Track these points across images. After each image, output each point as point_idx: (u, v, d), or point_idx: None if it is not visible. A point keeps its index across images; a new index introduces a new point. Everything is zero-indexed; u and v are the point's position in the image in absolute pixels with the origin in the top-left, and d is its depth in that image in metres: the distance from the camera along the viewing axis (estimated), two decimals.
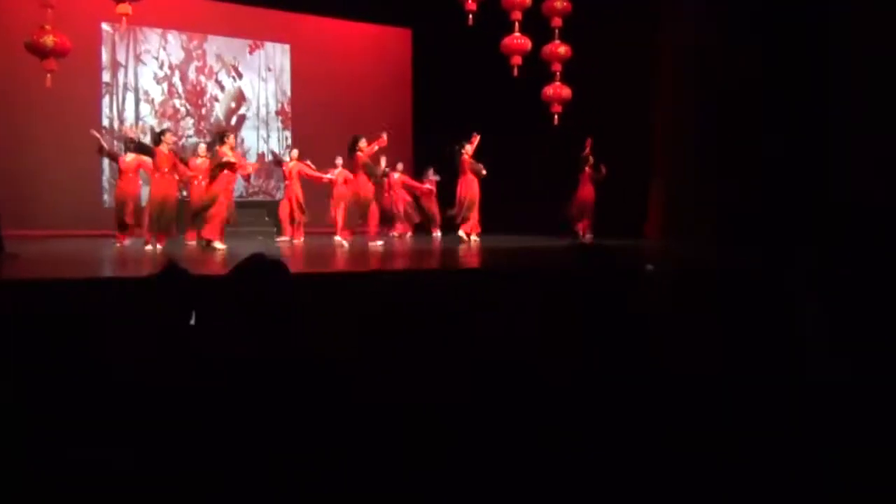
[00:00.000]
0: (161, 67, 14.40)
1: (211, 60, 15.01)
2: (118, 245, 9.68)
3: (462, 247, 10.57)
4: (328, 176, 11.38)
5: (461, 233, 11.49)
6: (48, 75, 9.41)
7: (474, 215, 11.54)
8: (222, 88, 15.19)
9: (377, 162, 10.87)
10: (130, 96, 13.98)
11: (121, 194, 10.01)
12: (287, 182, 11.92)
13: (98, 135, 9.83)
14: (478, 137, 11.60)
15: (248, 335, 2.12)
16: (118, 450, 1.85)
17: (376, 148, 10.54)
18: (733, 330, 2.51)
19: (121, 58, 13.86)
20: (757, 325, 2.28)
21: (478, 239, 11.34)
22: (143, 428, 1.89)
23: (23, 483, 1.82)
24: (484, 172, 11.53)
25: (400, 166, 12.91)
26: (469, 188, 11.48)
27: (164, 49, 14.44)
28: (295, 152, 12.11)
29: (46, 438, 2.00)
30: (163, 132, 10.15)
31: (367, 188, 10.54)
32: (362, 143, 10.41)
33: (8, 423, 2.04)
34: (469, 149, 11.50)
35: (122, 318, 2.71)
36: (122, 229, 9.89)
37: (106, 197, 12.90)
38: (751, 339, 2.24)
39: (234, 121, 15.26)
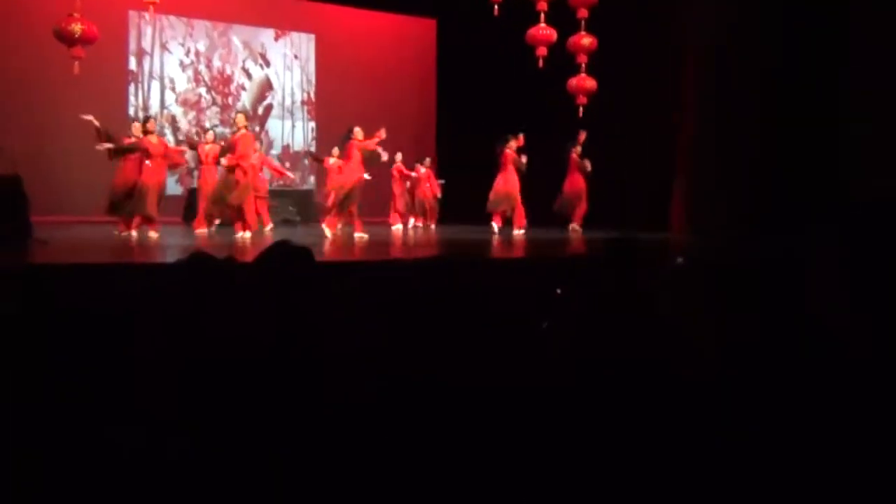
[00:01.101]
0: (187, 55, 14.45)
1: (238, 48, 15.04)
2: (120, 234, 9.58)
3: (494, 238, 10.61)
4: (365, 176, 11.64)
5: (493, 224, 11.44)
6: (76, 63, 9.50)
7: (519, 209, 11.43)
8: (249, 77, 15.22)
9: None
10: (156, 84, 14.09)
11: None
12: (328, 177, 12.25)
13: (92, 119, 9.78)
14: (523, 138, 11.50)
15: (272, 320, 2.14)
16: (152, 433, 1.87)
17: (377, 141, 10.29)
18: (758, 324, 2.49)
19: (146, 46, 13.96)
20: (780, 317, 2.26)
21: (521, 232, 11.26)
22: (174, 412, 1.92)
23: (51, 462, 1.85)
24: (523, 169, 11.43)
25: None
26: (508, 183, 11.40)
27: (191, 36, 14.48)
28: (335, 150, 12.24)
29: (72, 422, 2.03)
30: (147, 120, 10.13)
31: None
32: (357, 132, 10.28)
33: (35, 408, 2.08)
34: (513, 144, 11.40)
35: (150, 303, 2.74)
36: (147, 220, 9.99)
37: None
38: (775, 332, 2.22)
39: (261, 110, 15.30)
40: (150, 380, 2.10)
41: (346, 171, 10.33)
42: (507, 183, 11.38)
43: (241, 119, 10.05)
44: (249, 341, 2.08)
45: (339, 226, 10.35)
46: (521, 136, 11.48)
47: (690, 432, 1.99)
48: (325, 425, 1.92)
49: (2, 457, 1.87)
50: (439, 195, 13.58)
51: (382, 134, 10.25)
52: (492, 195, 11.47)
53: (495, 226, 11.41)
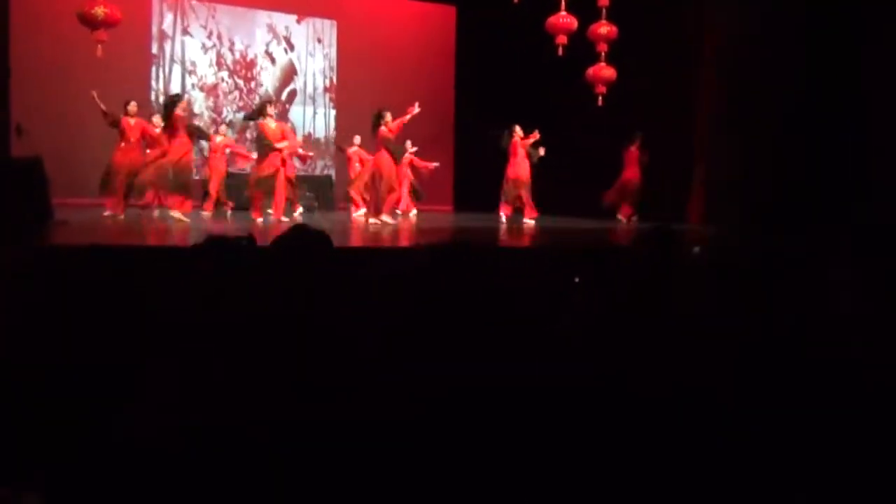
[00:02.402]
0: (209, 37, 14.38)
1: (262, 31, 14.94)
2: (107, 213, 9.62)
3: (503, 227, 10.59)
4: (433, 164, 11.97)
5: (501, 214, 11.42)
6: (99, 46, 9.56)
7: (528, 199, 11.37)
8: (273, 61, 15.13)
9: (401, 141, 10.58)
10: (177, 68, 14.10)
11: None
12: (349, 165, 12.45)
13: (97, 99, 9.83)
14: (538, 133, 11.42)
15: (286, 302, 2.16)
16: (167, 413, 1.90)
17: (407, 118, 10.27)
18: (768, 316, 2.49)
19: (168, 29, 13.97)
20: (796, 310, 2.26)
21: (531, 221, 11.23)
22: (194, 391, 1.94)
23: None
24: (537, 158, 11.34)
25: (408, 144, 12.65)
26: (518, 170, 11.34)
27: (213, 17, 14.40)
28: (357, 139, 12.30)
29: (91, 402, 2.06)
30: (128, 102, 10.09)
31: (388, 166, 10.19)
32: (388, 117, 10.15)
33: (53, 387, 2.11)
34: (520, 132, 11.32)
35: (168, 285, 2.77)
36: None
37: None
38: (790, 324, 2.22)
39: (284, 95, 15.24)
40: (167, 361, 2.12)
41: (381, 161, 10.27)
42: (517, 171, 11.32)
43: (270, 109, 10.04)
44: (265, 324, 2.10)
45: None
46: (535, 132, 11.40)
47: (703, 426, 2.00)
48: (340, 411, 1.94)
49: (29, 435, 1.91)
50: (416, 184, 12.94)
51: (415, 109, 10.30)
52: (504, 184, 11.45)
53: (503, 216, 11.40)
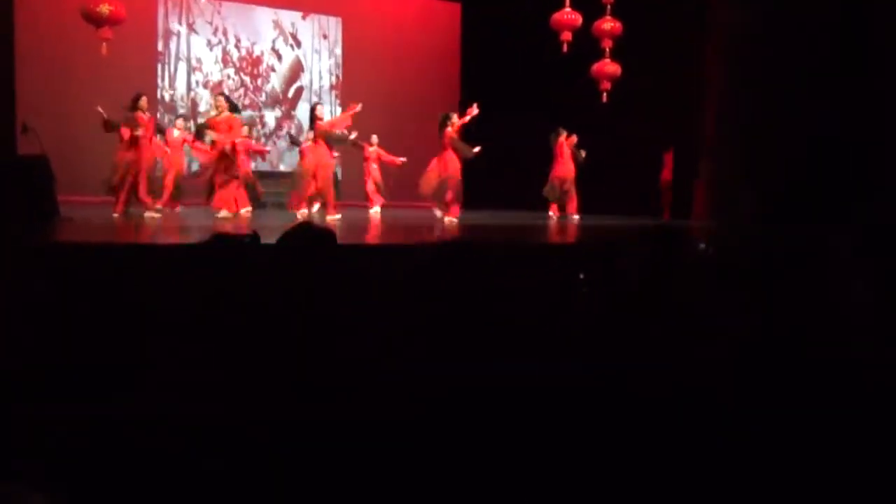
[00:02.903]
0: (215, 33, 14.35)
1: (268, 27, 14.89)
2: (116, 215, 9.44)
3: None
4: (400, 159, 11.75)
5: (550, 212, 11.48)
6: (104, 44, 9.57)
7: (572, 195, 11.44)
8: (279, 58, 15.09)
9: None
10: (182, 66, 14.09)
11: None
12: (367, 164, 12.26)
13: (101, 110, 9.71)
14: (575, 137, 11.45)
15: (299, 299, 2.16)
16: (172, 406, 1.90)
17: (467, 119, 10.39)
18: (778, 309, 2.49)
19: (173, 26, 13.96)
20: (802, 305, 2.26)
21: (577, 217, 11.27)
22: (196, 386, 1.95)
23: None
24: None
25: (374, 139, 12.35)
26: (564, 170, 11.36)
27: (219, 14, 14.37)
28: (375, 138, 12.18)
29: (96, 397, 2.07)
30: (139, 97, 9.78)
31: (454, 165, 10.28)
32: (454, 118, 10.25)
33: (59, 383, 2.11)
34: (565, 134, 11.35)
35: (172, 281, 2.78)
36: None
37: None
38: (795, 319, 2.22)
39: (291, 93, 15.20)
40: (172, 356, 2.13)
41: (446, 161, 10.30)
42: (563, 170, 11.35)
43: (221, 101, 9.82)
44: (273, 319, 2.11)
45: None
46: (573, 136, 11.42)
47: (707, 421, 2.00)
48: (344, 409, 1.94)
49: (35, 432, 1.91)
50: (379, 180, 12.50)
51: (475, 110, 10.39)
52: (547, 184, 11.50)
53: (552, 214, 11.45)
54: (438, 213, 10.27)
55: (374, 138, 12.25)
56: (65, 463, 1.75)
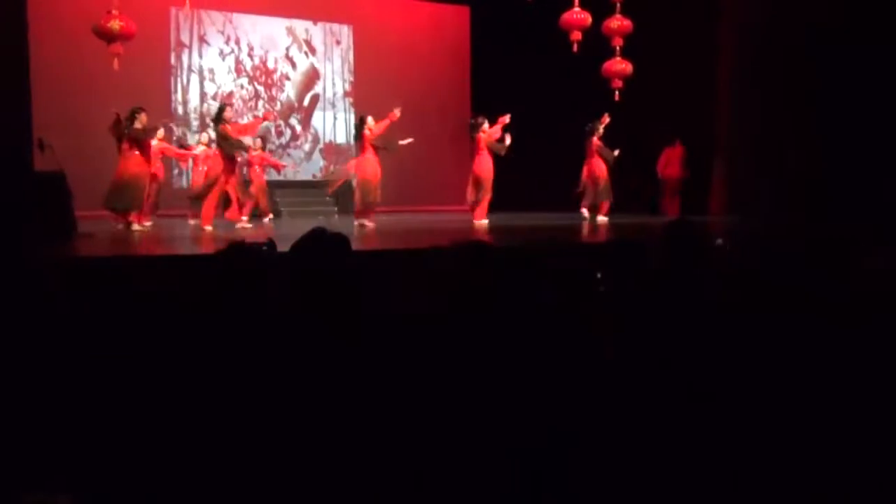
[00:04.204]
0: (227, 42, 14.28)
1: (281, 35, 14.82)
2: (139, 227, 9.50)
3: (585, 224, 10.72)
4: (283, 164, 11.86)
5: (583, 211, 11.42)
6: (115, 59, 9.65)
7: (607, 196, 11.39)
8: (294, 65, 14.98)
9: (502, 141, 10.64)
10: (195, 78, 14.12)
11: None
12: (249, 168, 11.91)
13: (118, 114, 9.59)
14: (607, 118, 11.38)
15: (309, 306, 2.17)
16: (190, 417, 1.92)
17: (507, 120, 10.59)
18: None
19: (185, 39, 13.99)
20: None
21: (605, 218, 11.23)
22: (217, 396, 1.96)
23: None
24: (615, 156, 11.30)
25: (258, 142, 11.87)
26: (596, 169, 11.33)
27: (230, 22, 14.27)
28: (258, 142, 11.90)
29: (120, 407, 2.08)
30: (156, 128, 9.95)
31: (488, 169, 10.47)
32: (486, 125, 10.49)
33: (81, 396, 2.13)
34: (601, 130, 11.33)
35: (194, 293, 2.79)
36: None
37: (177, 178, 13.28)
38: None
39: (307, 101, 15.12)
40: (195, 365, 2.14)
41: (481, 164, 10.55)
42: (595, 170, 11.32)
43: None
44: (285, 327, 2.12)
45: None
46: (604, 117, 11.37)
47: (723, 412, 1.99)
48: (364, 407, 1.95)
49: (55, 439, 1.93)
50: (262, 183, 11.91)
51: (506, 119, 10.57)
52: (581, 184, 11.44)
53: (584, 212, 11.40)
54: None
55: (258, 142, 11.77)
56: (86, 468, 1.77)
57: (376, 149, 10.20)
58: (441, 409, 1.91)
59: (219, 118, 9.43)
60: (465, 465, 1.82)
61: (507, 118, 10.55)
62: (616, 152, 11.33)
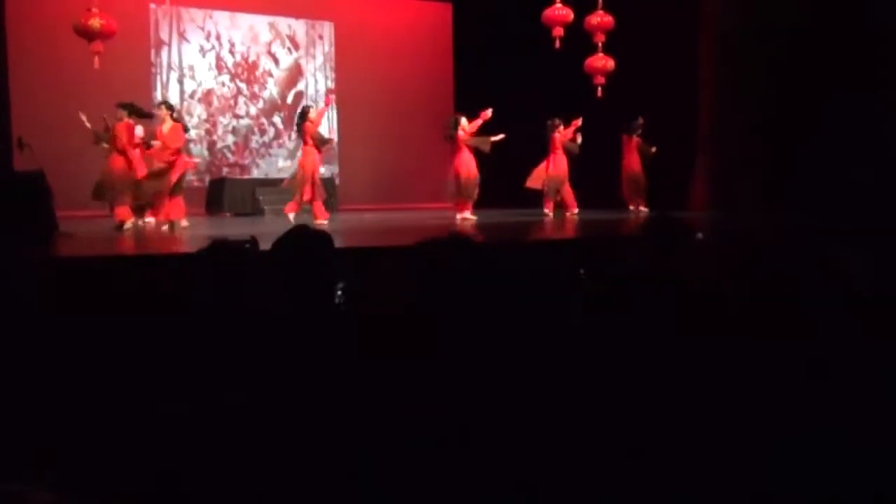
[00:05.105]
0: (207, 38, 14.11)
1: (263, 30, 14.64)
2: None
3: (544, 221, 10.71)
4: None
5: (546, 210, 11.38)
6: (96, 57, 9.58)
7: (567, 191, 11.41)
8: (277, 62, 14.83)
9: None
10: (175, 75, 13.98)
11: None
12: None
13: (85, 120, 9.57)
14: (579, 121, 11.41)
15: (290, 301, 2.17)
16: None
17: (479, 123, 10.55)
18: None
19: (164, 34, 13.80)
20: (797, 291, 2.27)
21: (574, 213, 11.27)
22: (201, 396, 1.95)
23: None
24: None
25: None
26: (557, 166, 11.32)
27: (211, 18, 14.11)
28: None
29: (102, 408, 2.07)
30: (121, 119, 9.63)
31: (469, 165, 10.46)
32: (463, 121, 10.47)
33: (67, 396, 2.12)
34: (561, 128, 11.29)
35: (177, 291, 2.78)
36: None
37: None
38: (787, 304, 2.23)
39: (290, 99, 14.99)
40: (176, 365, 2.14)
41: (557, 163, 10.86)
42: (557, 166, 11.31)
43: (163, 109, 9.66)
44: (269, 323, 2.12)
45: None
46: (575, 121, 11.38)
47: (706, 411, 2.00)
48: (347, 407, 1.95)
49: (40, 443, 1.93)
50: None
51: (488, 114, 10.51)
52: (544, 180, 11.39)
53: (547, 211, 11.36)
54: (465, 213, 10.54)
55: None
56: (70, 462, 1.76)
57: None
58: (424, 406, 1.92)
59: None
60: (446, 465, 1.82)
61: (488, 112, 10.47)
62: (578, 140, 11.36)
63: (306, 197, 9.66)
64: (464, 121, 10.45)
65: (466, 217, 10.39)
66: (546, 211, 11.33)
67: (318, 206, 9.75)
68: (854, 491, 1.59)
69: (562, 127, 11.07)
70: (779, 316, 2.40)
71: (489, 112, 10.48)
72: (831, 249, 2.44)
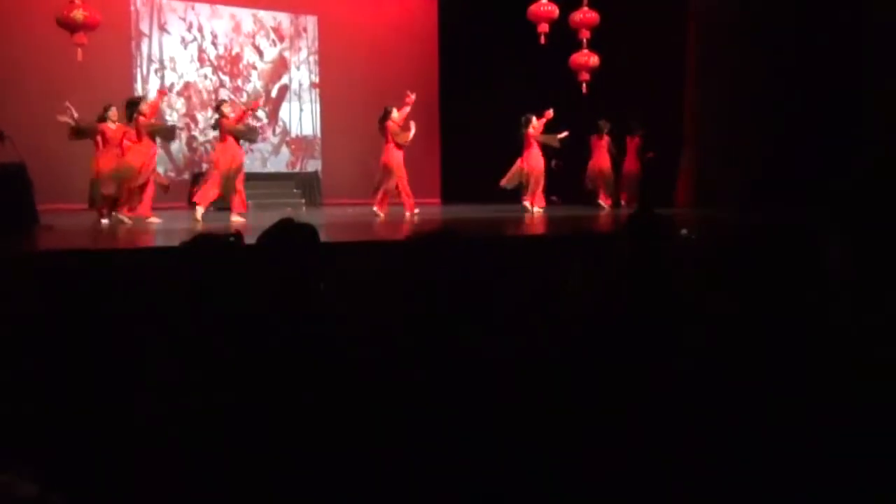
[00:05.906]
0: (189, 30, 13.91)
1: (247, 22, 14.45)
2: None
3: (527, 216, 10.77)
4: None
5: (525, 203, 11.38)
6: (79, 49, 9.48)
7: (538, 188, 11.46)
8: (261, 54, 14.64)
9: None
10: (155, 68, 13.79)
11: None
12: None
13: (68, 112, 9.22)
14: (550, 114, 11.42)
15: (276, 297, 2.15)
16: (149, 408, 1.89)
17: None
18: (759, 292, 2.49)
19: (145, 28, 13.60)
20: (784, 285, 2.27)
21: (541, 211, 11.31)
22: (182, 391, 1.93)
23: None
24: (557, 144, 11.46)
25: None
26: (533, 161, 11.34)
27: (192, 9, 13.90)
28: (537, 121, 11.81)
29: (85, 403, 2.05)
30: (107, 108, 9.27)
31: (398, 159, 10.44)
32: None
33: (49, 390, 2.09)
34: (536, 123, 11.30)
35: (157, 284, 2.75)
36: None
37: None
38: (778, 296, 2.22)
39: (274, 92, 14.83)
40: (160, 360, 2.11)
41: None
42: (531, 162, 11.34)
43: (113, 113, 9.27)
44: (254, 318, 2.09)
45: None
46: (547, 113, 11.38)
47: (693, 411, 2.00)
48: (333, 401, 1.93)
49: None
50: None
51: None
52: (524, 175, 11.41)
53: (527, 205, 11.38)
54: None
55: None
56: (58, 455, 1.74)
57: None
58: (414, 404, 1.90)
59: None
60: (442, 465, 1.81)
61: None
62: (562, 135, 11.41)
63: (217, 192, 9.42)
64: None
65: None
66: (525, 204, 11.40)
67: (235, 199, 9.51)
68: (854, 491, 1.59)
69: (534, 120, 11.18)
70: (765, 311, 2.40)
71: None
72: (814, 241, 2.44)
